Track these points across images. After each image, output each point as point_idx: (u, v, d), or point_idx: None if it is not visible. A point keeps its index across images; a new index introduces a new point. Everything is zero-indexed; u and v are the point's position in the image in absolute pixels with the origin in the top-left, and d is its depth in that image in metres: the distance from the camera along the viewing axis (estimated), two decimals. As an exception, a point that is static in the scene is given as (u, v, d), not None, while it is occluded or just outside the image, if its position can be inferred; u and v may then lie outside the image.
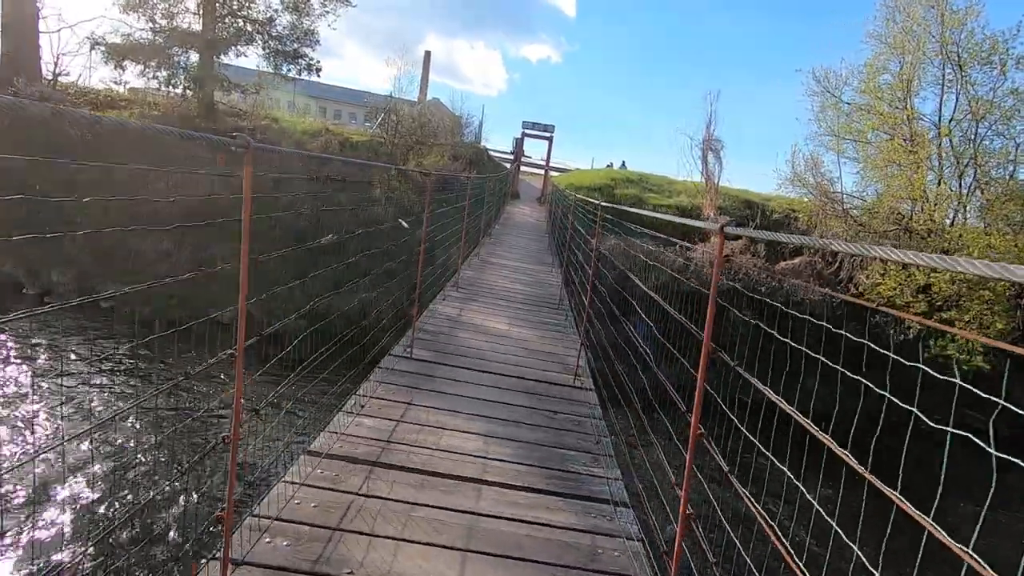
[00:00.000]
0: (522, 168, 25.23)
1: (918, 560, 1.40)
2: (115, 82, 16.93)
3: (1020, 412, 0.99)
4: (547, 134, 22.11)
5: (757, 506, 1.60)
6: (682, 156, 41.07)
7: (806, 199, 15.12)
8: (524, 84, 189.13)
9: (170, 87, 15.34)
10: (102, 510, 5.22)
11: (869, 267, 13.27)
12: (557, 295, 7.85)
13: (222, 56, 17.33)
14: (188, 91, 15.46)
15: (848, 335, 1.36)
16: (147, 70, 15.65)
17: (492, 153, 24.02)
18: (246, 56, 19.36)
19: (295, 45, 17.69)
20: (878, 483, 1.18)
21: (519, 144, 22.57)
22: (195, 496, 5.25)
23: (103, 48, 14.66)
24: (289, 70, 17.55)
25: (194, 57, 16.08)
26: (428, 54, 26.67)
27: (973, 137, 12.19)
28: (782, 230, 14.86)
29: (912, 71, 12.45)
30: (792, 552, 1.43)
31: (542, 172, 25.48)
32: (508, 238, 13.00)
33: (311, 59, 17.95)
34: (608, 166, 27.70)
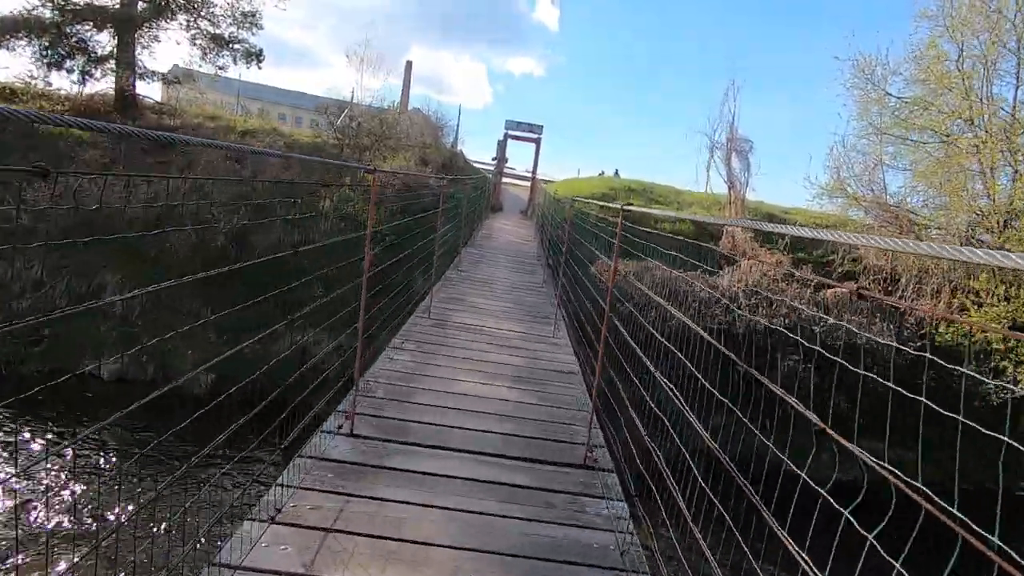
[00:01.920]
0: (504, 178, 22.44)
1: None
2: (31, 76, 13.78)
3: None
4: (534, 135, 19.28)
5: None
6: (699, 159, 37.13)
7: (847, 213, 12.54)
8: (509, 96, 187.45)
9: (64, 71, 12.27)
10: None
11: (937, 296, 10.69)
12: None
13: (150, 42, 14.36)
14: (86, 77, 12.41)
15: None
16: (41, 51, 12.62)
17: (476, 165, 21.22)
18: (177, 44, 16.43)
19: (231, 28, 14.77)
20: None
21: (502, 148, 19.72)
22: None
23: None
24: (223, 57, 14.59)
25: (100, 36, 13.06)
26: (409, 64, 23.93)
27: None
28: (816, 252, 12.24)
29: (994, 52, 9.94)
30: None
31: (526, 183, 22.73)
32: (486, 268, 9.21)
33: (251, 46, 15.03)
34: (600, 175, 25.12)
